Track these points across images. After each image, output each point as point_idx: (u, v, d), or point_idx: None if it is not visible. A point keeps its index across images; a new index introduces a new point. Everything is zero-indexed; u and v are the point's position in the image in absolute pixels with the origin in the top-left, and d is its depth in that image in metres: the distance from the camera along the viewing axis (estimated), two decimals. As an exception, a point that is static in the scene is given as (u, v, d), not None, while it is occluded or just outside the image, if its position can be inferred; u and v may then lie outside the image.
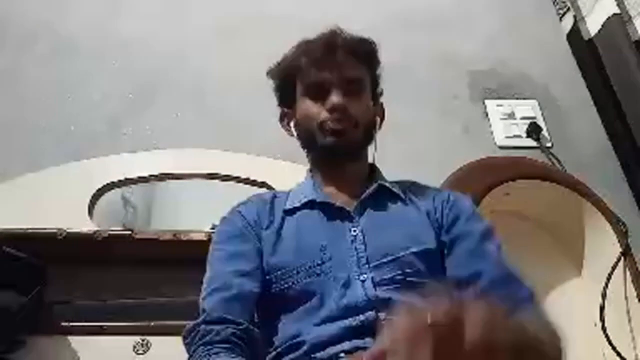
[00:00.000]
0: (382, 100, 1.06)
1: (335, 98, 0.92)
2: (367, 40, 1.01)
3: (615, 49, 1.68)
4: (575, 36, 1.85)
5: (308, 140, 0.98)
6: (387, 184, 0.98)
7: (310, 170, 1.03)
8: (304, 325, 0.81)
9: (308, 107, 0.96)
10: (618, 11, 1.71)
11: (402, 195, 0.96)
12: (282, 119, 1.05)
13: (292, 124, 1.02)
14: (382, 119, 1.05)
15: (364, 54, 1.00)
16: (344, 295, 0.81)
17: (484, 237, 0.88)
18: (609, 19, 1.71)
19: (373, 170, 1.03)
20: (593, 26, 1.78)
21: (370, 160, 1.03)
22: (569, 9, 1.88)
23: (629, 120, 1.61)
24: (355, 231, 0.88)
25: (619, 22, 1.69)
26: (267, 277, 0.87)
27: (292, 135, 1.02)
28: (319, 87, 0.95)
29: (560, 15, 1.92)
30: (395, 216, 0.93)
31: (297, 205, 0.95)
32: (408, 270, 0.83)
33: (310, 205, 0.94)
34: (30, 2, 1.83)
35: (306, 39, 1.00)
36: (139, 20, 1.80)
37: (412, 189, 0.98)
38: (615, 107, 1.66)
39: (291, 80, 1.00)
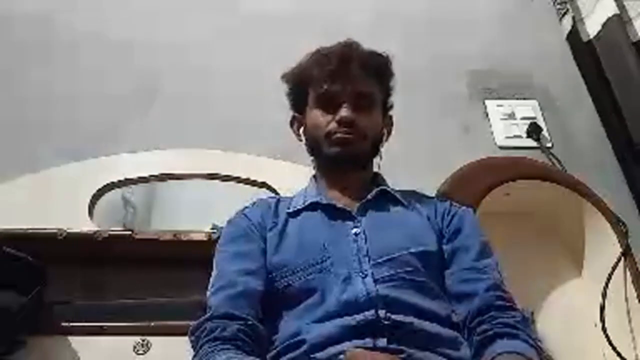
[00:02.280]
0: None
1: (344, 112, 0.94)
2: (381, 54, 1.03)
3: (615, 50, 1.67)
4: (574, 37, 1.85)
5: (314, 148, 1.00)
6: (389, 189, 0.99)
7: (314, 176, 1.04)
8: (304, 322, 0.81)
9: (317, 116, 0.97)
10: (618, 12, 1.70)
11: (404, 201, 0.97)
12: (292, 124, 1.06)
13: (301, 130, 1.04)
14: (389, 133, 1.07)
15: (377, 68, 1.01)
16: (344, 290, 0.82)
17: (481, 254, 0.90)
18: (608, 19, 1.71)
19: (376, 176, 1.04)
20: (593, 27, 1.78)
21: (375, 169, 1.04)
22: (568, 10, 1.88)
23: (628, 121, 1.61)
24: (356, 230, 0.89)
25: (618, 22, 1.69)
26: (270, 276, 0.88)
27: (301, 140, 1.04)
28: (330, 98, 0.96)
29: (560, 16, 1.92)
30: (396, 218, 0.95)
31: (300, 207, 0.96)
32: (407, 269, 0.85)
33: (313, 206, 0.95)
34: (30, 2, 1.83)
35: (321, 48, 1.01)
36: (139, 20, 1.80)
37: (414, 197, 1.01)
38: (615, 107, 1.66)
39: (304, 88, 1.01)
